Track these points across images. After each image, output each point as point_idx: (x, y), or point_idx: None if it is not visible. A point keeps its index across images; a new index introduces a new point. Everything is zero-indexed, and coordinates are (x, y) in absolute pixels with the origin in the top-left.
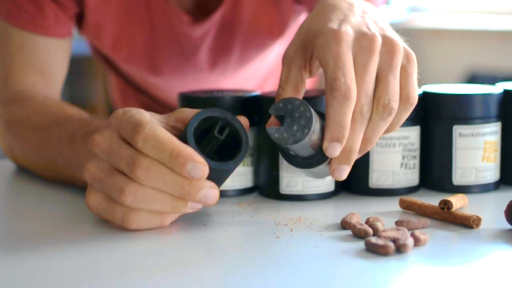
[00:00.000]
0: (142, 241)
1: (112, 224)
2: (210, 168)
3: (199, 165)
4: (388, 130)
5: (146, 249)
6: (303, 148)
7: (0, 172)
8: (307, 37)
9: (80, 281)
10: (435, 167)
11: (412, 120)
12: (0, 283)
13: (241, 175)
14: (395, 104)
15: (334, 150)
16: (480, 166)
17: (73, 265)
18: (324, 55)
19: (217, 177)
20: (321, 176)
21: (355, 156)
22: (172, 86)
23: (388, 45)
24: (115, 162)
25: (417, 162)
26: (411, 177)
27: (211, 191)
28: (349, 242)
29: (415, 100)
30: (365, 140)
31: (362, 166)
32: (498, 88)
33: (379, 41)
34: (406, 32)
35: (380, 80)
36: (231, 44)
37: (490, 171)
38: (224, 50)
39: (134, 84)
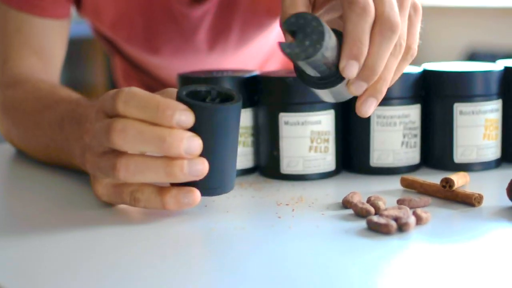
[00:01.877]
0: (143, 223)
1: (120, 206)
2: (207, 111)
3: (187, 112)
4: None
5: (147, 230)
6: (317, 65)
7: (0, 156)
8: None
9: (80, 262)
10: (436, 146)
11: (412, 99)
12: (1, 264)
13: (241, 156)
14: (403, 42)
15: (351, 69)
16: (481, 144)
17: (72, 246)
18: None
19: (214, 124)
20: (342, 96)
21: (381, 85)
22: (172, 66)
23: None
24: (98, 138)
25: (418, 140)
26: (412, 155)
27: (194, 140)
28: (351, 221)
29: (415, 52)
30: (379, 79)
31: (362, 145)
32: (499, 65)
33: None
34: None
35: None
36: (230, 24)
37: (491, 149)
38: (223, 30)
39: (136, 64)
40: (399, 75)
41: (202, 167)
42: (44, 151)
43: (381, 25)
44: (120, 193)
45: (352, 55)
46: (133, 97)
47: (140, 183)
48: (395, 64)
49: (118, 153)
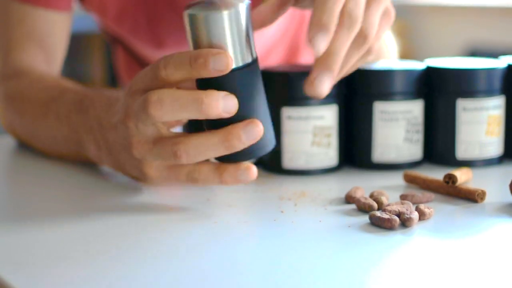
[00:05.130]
0: (145, 217)
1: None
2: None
3: (221, 55)
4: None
5: (150, 224)
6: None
7: (0, 148)
8: None
9: (81, 253)
10: (438, 142)
11: (415, 94)
12: (3, 256)
13: None
14: (368, 35)
15: (319, 41)
16: (484, 140)
17: (75, 237)
18: None
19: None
20: None
21: (333, 62)
22: None
23: None
24: (137, 117)
25: (420, 136)
26: (415, 151)
27: (229, 99)
28: (354, 216)
29: (373, 50)
30: (334, 58)
31: (365, 140)
32: (502, 62)
33: None
34: (408, 8)
35: None
36: None
37: (494, 145)
38: None
39: (139, 57)
40: (354, 68)
41: (257, 129)
42: (50, 141)
43: (343, 16)
44: (177, 174)
45: (320, 25)
46: (170, 60)
47: (197, 163)
48: (356, 55)
49: (175, 140)
